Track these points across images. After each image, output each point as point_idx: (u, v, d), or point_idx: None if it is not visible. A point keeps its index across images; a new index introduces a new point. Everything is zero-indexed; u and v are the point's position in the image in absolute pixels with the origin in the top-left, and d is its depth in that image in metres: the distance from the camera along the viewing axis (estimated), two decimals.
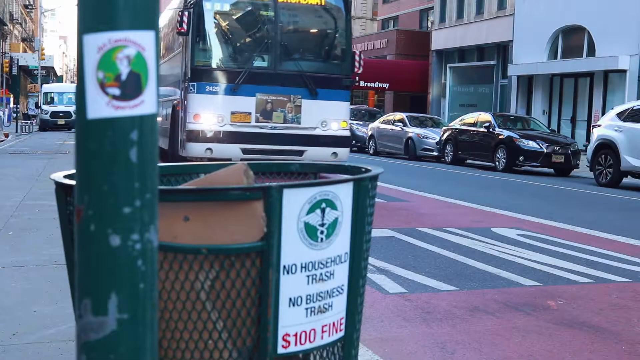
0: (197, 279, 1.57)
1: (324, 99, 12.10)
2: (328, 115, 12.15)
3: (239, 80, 11.70)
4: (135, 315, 1.32)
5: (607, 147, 13.63)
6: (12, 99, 42.02)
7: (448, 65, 33.02)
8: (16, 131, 29.53)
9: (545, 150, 16.53)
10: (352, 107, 20.45)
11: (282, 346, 1.61)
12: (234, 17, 12.32)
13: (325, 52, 12.75)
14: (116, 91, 1.28)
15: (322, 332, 1.68)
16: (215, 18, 12.10)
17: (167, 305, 1.58)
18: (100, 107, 1.28)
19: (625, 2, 22.74)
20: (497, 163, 17.37)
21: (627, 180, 14.50)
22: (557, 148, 16.65)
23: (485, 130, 18.06)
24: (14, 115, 35.95)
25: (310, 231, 1.61)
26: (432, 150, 20.75)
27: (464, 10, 31.64)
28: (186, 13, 11.73)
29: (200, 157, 11.79)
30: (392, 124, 22.61)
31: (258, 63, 12.13)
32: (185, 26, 11.71)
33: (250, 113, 11.84)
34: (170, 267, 1.57)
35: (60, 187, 1.65)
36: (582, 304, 4.78)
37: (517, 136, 17.03)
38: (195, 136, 11.79)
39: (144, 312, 1.33)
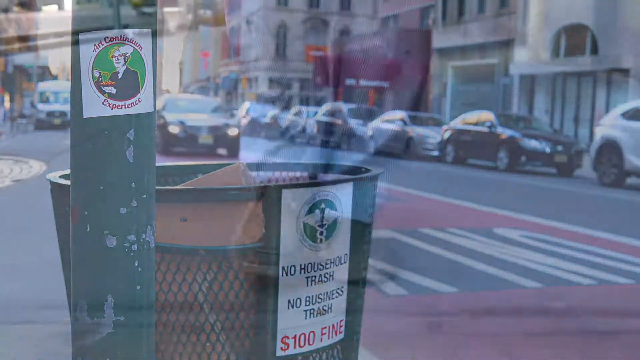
0: (194, 280, 1.55)
1: None
2: None
3: None
4: (132, 317, 1.30)
5: (610, 147, 13.56)
6: (7, 98, 41.70)
7: (449, 63, 32.95)
8: (11, 130, 29.35)
9: (547, 150, 16.45)
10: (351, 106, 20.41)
11: (281, 348, 1.59)
12: None
13: None
14: (112, 90, 1.26)
15: (322, 334, 1.66)
16: None
17: (164, 307, 1.56)
18: (96, 106, 1.27)
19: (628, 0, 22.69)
20: (498, 163, 17.30)
21: (631, 180, 14.46)
22: (560, 148, 16.55)
23: (487, 129, 17.97)
24: (9, 114, 35.61)
25: (310, 232, 1.58)
26: (432, 150, 20.69)
27: (465, 9, 31.58)
28: None
29: None
30: (392, 124, 22.57)
31: None
32: None
33: None
34: (168, 269, 1.55)
35: (56, 187, 1.63)
36: (585, 306, 4.75)
37: (519, 135, 16.95)
38: None
39: (140, 314, 1.31)
